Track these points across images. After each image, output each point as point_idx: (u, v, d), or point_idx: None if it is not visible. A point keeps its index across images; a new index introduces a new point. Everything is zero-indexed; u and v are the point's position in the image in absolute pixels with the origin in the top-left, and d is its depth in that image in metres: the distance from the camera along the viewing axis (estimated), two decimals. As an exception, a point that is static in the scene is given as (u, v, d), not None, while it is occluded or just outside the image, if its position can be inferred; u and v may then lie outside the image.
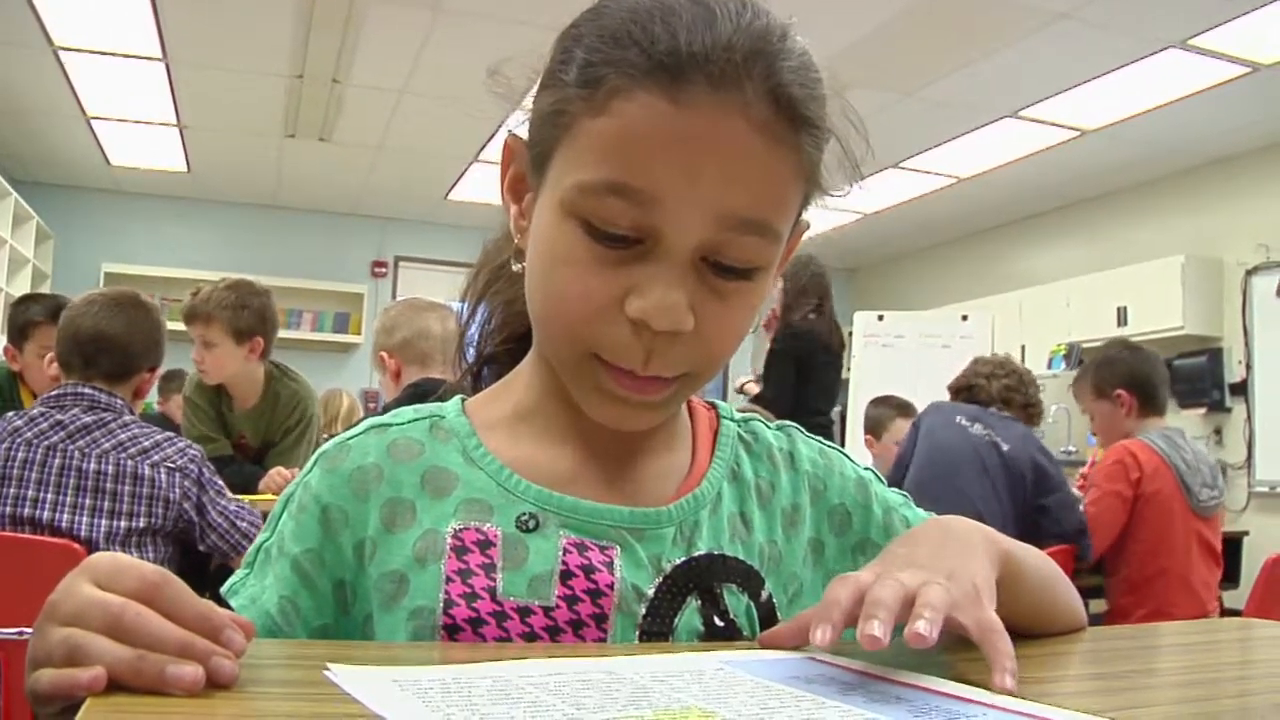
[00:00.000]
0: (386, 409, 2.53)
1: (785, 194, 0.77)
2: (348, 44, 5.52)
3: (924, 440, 3.47)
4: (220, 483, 2.47)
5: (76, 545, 2.08)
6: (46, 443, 2.28)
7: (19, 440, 2.27)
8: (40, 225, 8.10)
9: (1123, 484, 3.28)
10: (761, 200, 0.75)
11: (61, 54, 5.83)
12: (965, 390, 3.61)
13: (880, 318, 7.22)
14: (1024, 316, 7.47)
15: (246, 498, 2.84)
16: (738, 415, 0.96)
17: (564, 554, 0.81)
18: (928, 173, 7.46)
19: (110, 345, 2.42)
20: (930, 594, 0.64)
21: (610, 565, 0.81)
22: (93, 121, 7.05)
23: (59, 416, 2.31)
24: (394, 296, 9.30)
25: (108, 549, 2.11)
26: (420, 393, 2.57)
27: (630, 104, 0.72)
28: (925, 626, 0.61)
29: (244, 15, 5.25)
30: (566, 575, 0.80)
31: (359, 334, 9.11)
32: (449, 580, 0.80)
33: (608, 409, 0.81)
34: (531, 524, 0.82)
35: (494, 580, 0.80)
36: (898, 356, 6.89)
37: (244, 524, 2.45)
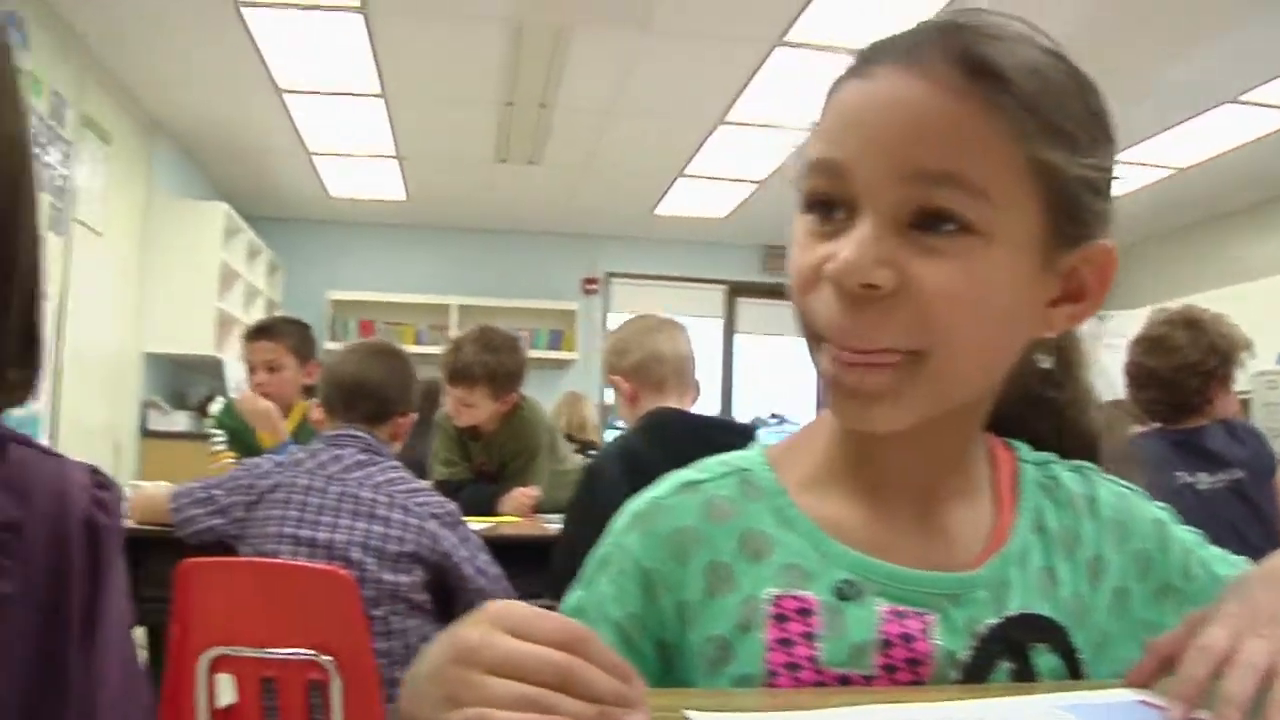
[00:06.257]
0: (627, 440, 2.58)
1: (980, 148, 0.74)
2: (554, 68, 5.62)
3: None
4: (477, 540, 2.51)
5: (343, 571, 2.17)
6: (326, 472, 2.43)
7: (300, 470, 2.44)
8: (271, 258, 8.59)
9: None
10: (947, 152, 0.73)
11: (286, 96, 6.16)
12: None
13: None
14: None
15: (487, 519, 2.92)
16: (1035, 458, 0.93)
17: (883, 623, 0.80)
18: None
19: (368, 391, 2.60)
20: None
21: (926, 632, 0.80)
22: (314, 157, 7.43)
23: (337, 452, 2.49)
24: (606, 312, 9.54)
25: (375, 568, 2.30)
26: (659, 423, 2.61)
27: (836, 95, 0.80)
28: None
29: (456, 48, 5.44)
30: (886, 645, 0.79)
31: (573, 350, 9.31)
32: (770, 649, 0.79)
33: (839, 403, 0.79)
34: (851, 592, 0.81)
35: (815, 650, 0.79)
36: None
37: (501, 577, 2.50)
